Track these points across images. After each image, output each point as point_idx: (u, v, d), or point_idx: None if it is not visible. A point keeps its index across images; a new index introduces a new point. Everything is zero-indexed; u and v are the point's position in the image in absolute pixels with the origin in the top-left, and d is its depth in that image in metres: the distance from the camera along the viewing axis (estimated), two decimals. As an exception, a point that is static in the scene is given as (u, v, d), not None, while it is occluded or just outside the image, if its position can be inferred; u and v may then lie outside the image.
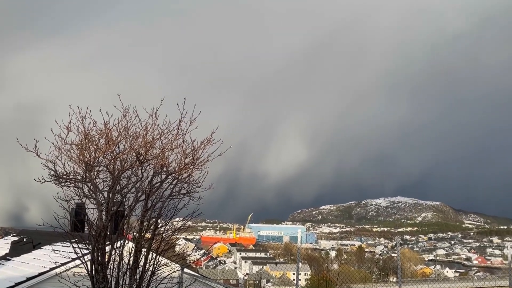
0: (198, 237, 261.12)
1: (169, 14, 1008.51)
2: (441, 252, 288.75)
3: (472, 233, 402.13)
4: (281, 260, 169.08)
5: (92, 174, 11.15)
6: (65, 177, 11.15)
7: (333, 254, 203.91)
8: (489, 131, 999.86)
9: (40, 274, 15.63)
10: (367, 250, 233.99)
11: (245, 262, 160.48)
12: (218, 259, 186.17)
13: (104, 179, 11.31)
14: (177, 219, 12.02)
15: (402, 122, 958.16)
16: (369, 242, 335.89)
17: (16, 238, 22.83)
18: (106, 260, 10.81)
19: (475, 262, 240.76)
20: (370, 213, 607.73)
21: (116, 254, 10.87)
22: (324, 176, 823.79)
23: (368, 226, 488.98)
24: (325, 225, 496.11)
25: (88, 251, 10.93)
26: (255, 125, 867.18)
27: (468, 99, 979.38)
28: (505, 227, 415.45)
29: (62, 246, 15.91)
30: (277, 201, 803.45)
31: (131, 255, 11.06)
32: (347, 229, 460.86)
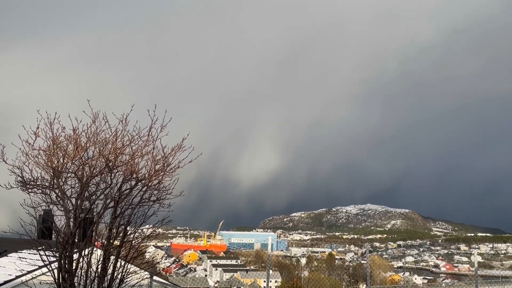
0: (168, 244, 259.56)
1: (141, 20, 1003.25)
2: (410, 259, 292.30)
3: (440, 240, 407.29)
4: (252, 267, 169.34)
5: (60, 180, 10.99)
6: (32, 183, 10.98)
7: (303, 261, 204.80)
8: (458, 142, 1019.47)
9: (5, 282, 15.34)
10: (337, 257, 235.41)
11: (216, 270, 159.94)
12: (189, 266, 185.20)
13: (72, 186, 11.17)
14: (147, 226, 11.92)
15: (373, 131, 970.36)
16: (339, 249, 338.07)
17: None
18: (74, 267, 10.66)
19: (443, 269, 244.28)
20: (340, 220, 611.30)
21: (84, 261, 10.73)
22: (296, 184, 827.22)
23: (339, 233, 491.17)
24: (296, 232, 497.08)
25: (55, 259, 10.76)
26: (228, 133, 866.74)
27: (438, 111, 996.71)
28: (472, 235, 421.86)
29: (29, 253, 15.57)
30: (249, 208, 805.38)
31: (99, 262, 10.93)
32: (318, 236, 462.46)
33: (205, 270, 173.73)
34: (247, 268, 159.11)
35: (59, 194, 10.96)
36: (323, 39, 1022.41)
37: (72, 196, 11.06)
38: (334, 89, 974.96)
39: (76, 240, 10.77)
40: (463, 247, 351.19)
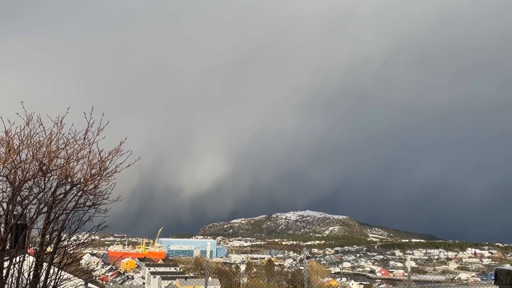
0: (105, 251, 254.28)
1: (85, 23, 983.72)
2: (346, 264, 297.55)
3: (376, 246, 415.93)
4: (191, 274, 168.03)
5: (-10, 184, 10.62)
6: (-40, 187, 10.57)
7: (243, 267, 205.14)
8: (395, 155, 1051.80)
9: None
10: (276, 263, 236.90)
11: (154, 277, 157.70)
12: (126, 274, 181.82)
13: (3, 190, 10.83)
14: (83, 232, 11.66)
15: (316, 140, 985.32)
16: (278, 255, 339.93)
17: None
18: (4, 275, 10.31)
19: (378, 274, 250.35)
20: (280, 227, 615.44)
21: (15, 268, 10.39)
22: (239, 191, 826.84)
23: (278, 240, 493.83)
24: (236, 238, 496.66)
25: (-16, 266, 10.39)
26: (172, 140, 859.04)
27: (377, 121, 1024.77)
28: (407, 241, 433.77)
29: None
30: (192, 215, 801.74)
31: (32, 269, 10.61)
32: (258, 242, 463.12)
33: (143, 278, 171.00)
34: (186, 275, 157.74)
35: (-11, 198, 10.60)
36: (270, 49, 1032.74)
37: (3, 201, 10.74)
38: (279, 97, 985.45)
39: (7, 247, 10.44)
40: (398, 252, 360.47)
